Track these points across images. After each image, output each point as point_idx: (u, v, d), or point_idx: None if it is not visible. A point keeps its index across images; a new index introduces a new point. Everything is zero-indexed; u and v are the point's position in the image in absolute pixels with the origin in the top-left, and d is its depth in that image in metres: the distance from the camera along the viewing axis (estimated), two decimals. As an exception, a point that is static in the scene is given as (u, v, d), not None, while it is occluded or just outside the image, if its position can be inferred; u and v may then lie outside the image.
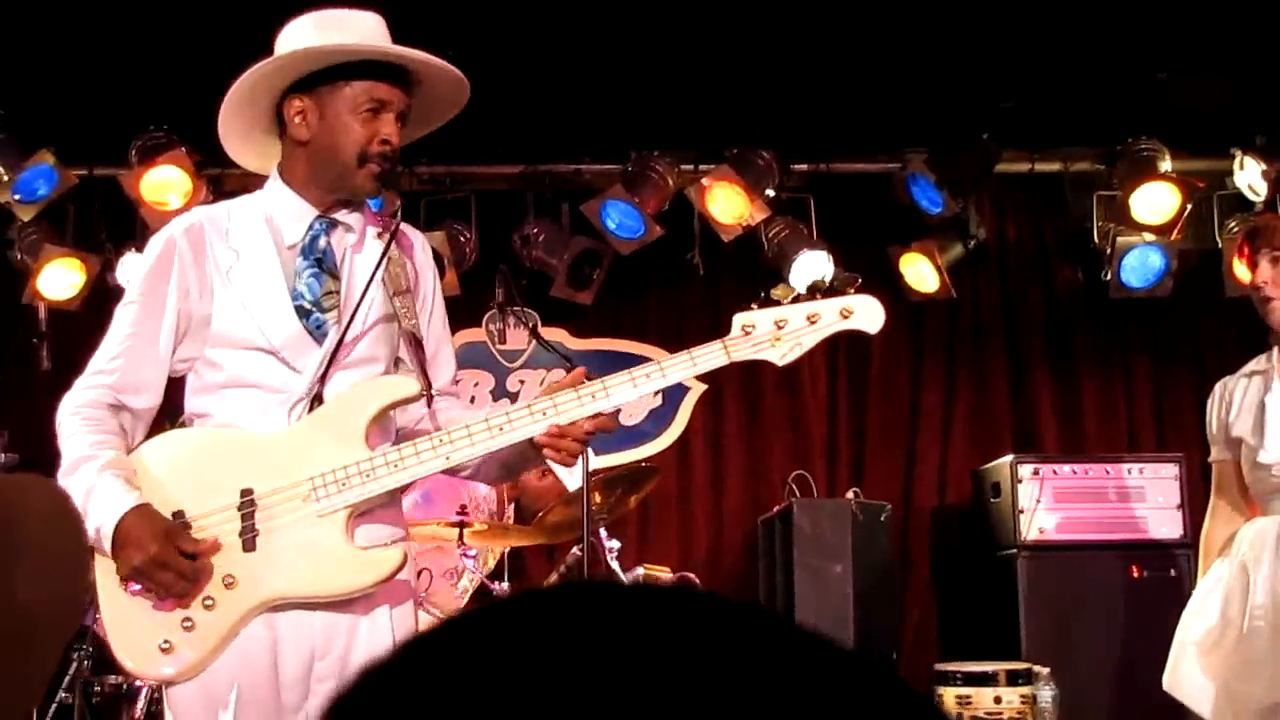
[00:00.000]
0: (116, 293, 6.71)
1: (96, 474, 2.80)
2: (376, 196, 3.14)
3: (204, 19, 6.23)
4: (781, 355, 3.00)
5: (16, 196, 6.76)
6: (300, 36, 3.03)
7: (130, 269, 6.76)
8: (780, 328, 2.99)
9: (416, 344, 3.10)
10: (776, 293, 3.05)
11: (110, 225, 7.10)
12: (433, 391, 3.10)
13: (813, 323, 3.00)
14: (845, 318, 3.01)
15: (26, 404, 6.43)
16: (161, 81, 6.58)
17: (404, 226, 3.21)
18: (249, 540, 2.84)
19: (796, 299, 3.03)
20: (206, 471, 2.90)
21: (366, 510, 2.94)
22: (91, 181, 7.08)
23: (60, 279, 6.93)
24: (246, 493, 2.87)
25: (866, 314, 3.03)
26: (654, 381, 2.97)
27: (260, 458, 2.90)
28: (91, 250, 7.02)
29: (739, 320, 3.00)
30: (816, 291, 3.05)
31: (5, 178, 6.77)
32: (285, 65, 3.00)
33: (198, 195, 6.74)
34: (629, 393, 2.96)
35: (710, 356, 2.98)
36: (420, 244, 3.26)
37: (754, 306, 3.01)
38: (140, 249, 6.70)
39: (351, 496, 2.87)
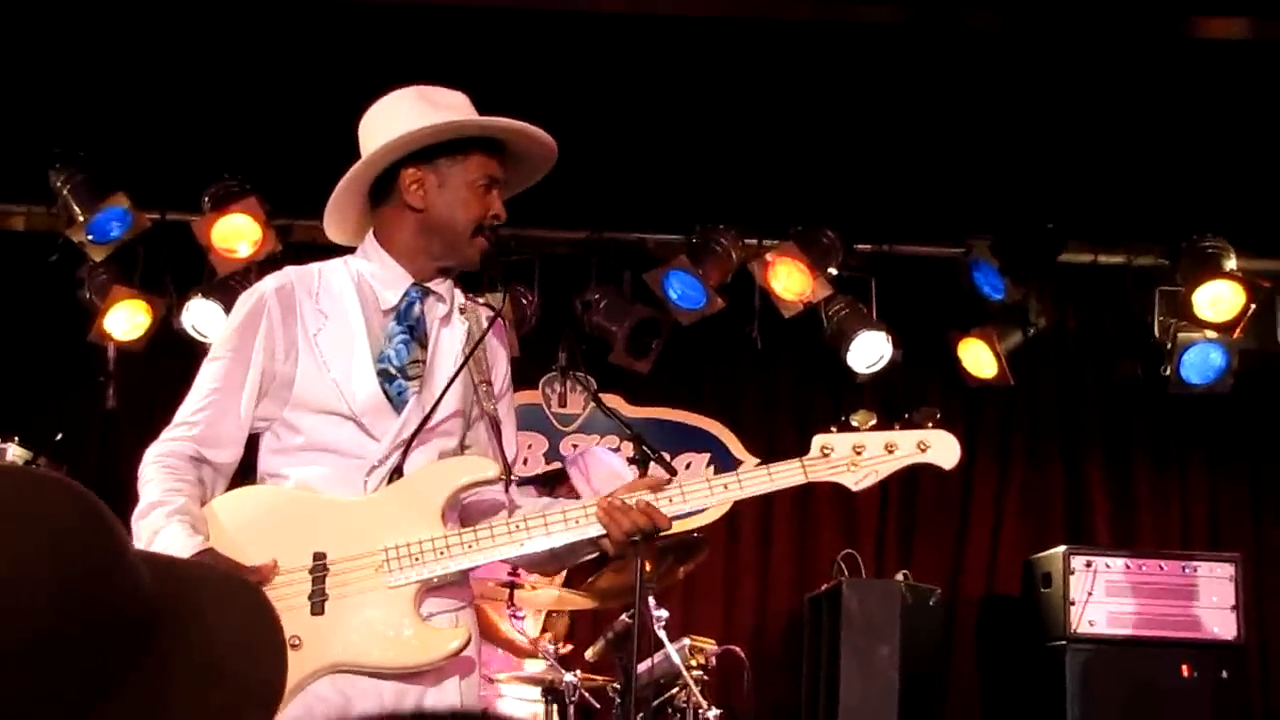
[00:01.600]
0: (180, 336, 6.86)
1: (165, 518, 2.85)
2: (477, 268, 3.20)
3: (279, 74, 6.34)
4: (857, 481, 3.06)
5: (90, 237, 6.85)
6: (414, 111, 3.10)
7: (196, 315, 6.83)
8: (858, 453, 3.05)
9: (496, 428, 3.13)
10: (856, 419, 3.11)
11: (177, 270, 7.18)
12: (510, 477, 3.12)
13: (890, 452, 3.06)
14: (922, 451, 3.07)
15: (89, 441, 6.50)
16: (236, 131, 6.71)
17: (484, 309, 3.29)
18: (318, 604, 2.86)
19: (875, 427, 3.08)
20: (280, 531, 2.93)
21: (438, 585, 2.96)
22: (163, 226, 7.17)
23: (126, 320, 7.00)
24: (319, 556, 2.89)
25: (943, 450, 3.09)
26: (730, 492, 3.05)
27: (336, 523, 2.93)
28: (158, 293, 7.10)
29: (818, 442, 3.06)
30: (895, 422, 3.09)
31: (80, 218, 6.86)
32: (419, 137, 3.07)
33: (266, 244, 6.81)
34: (704, 499, 3.05)
35: (788, 475, 3.05)
36: (498, 327, 3.31)
37: (833, 429, 3.07)
38: (207, 295, 6.79)
39: (424, 573, 2.90)
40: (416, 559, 2.89)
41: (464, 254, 3.12)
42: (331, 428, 3.00)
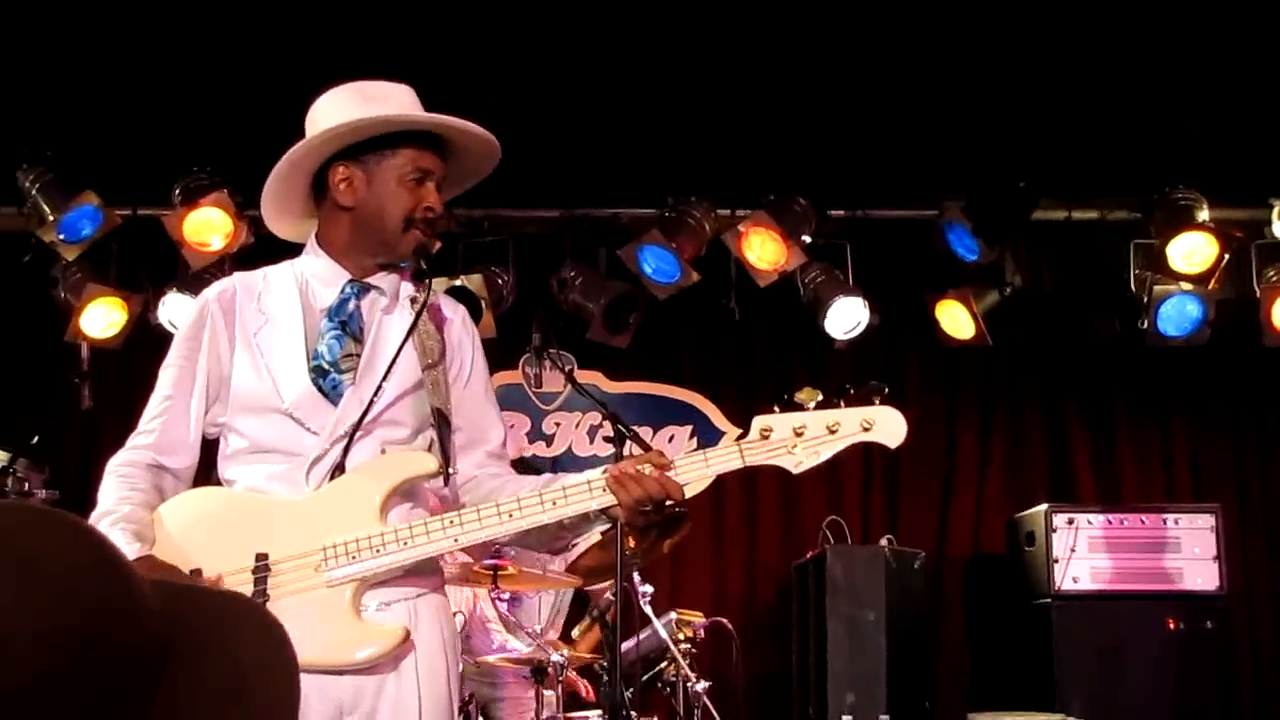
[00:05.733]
0: (157, 332, 6.85)
1: (109, 527, 2.86)
2: (410, 261, 3.17)
3: (246, 65, 6.32)
4: (797, 463, 2.99)
5: (61, 236, 6.84)
6: (344, 108, 3.09)
7: (172, 310, 6.83)
8: (799, 435, 2.97)
9: (442, 419, 3.11)
10: (801, 395, 3.00)
11: (152, 265, 7.17)
12: (450, 470, 3.10)
13: (832, 432, 2.98)
14: (866, 430, 2.99)
15: (69, 442, 6.50)
16: (205, 124, 6.68)
17: (444, 300, 3.28)
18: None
19: (819, 405, 3.00)
20: (224, 533, 2.93)
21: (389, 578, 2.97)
22: (135, 222, 7.15)
23: (102, 318, 7.00)
24: (261, 557, 2.90)
25: (888, 427, 3.01)
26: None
27: (277, 523, 2.94)
28: (133, 289, 7.09)
29: (757, 423, 2.99)
30: (840, 399, 3.01)
31: (51, 217, 6.85)
32: (341, 135, 3.06)
33: (239, 237, 6.80)
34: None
35: (725, 460, 2.99)
36: (460, 318, 3.28)
37: (776, 409, 2.99)
38: (181, 289, 6.78)
39: (359, 569, 2.90)
40: (353, 556, 2.89)
41: (398, 248, 3.09)
42: (270, 427, 3.01)
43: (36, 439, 6.01)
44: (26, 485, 6.80)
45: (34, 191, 6.91)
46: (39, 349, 7.25)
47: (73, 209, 6.86)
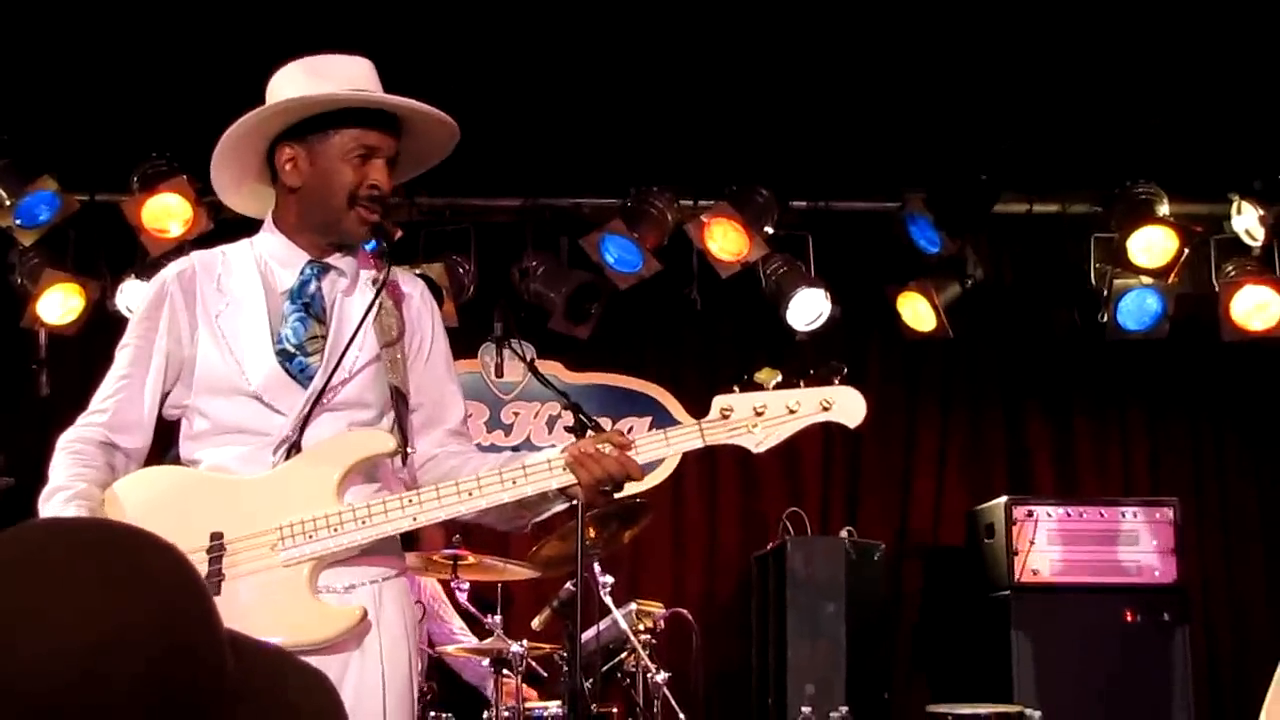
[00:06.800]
0: (115, 318, 6.79)
1: (63, 503, 2.84)
2: (366, 241, 3.15)
3: (206, 48, 6.27)
4: (757, 443, 2.99)
5: (18, 221, 6.77)
6: (290, 85, 3.06)
7: (130, 296, 6.77)
8: (759, 415, 2.98)
9: (400, 397, 3.09)
10: (760, 376, 3.00)
11: (110, 251, 7.11)
12: (408, 449, 3.09)
13: (792, 412, 2.99)
14: (825, 409, 3.00)
15: (25, 428, 6.43)
16: (163, 109, 6.62)
17: (402, 276, 3.25)
18: (214, 584, 2.83)
19: (779, 385, 3.00)
20: (179, 512, 2.90)
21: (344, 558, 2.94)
22: (93, 207, 7.09)
23: (60, 304, 6.93)
24: (216, 536, 2.88)
25: (847, 407, 3.01)
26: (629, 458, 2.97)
27: (234, 502, 2.91)
28: (92, 276, 7.03)
29: (718, 403, 2.99)
30: (800, 379, 3.01)
31: (7, 202, 6.77)
32: (275, 115, 3.03)
33: (198, 223, 6.74)
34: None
35: (685, 438, 2.99)
36: (419, 292, 3.26)
37: (735, 389, 3.00)
38: (140, 275, 6.72)
39: (316, 548, 2.88)
40: (310, 535, 2.87)
41: (344, 227, 3.05)
42: (236, 408, 2.99)
43: (-9, 427, 5.96)
44: (-18, 472, 6.75)
45: (-10, 177, 6.84)
46: (-7, 336, 7.17)
47: (30, 194, 6.78)
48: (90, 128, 6.77)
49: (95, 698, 1.09)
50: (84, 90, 6.54)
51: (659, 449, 2.99)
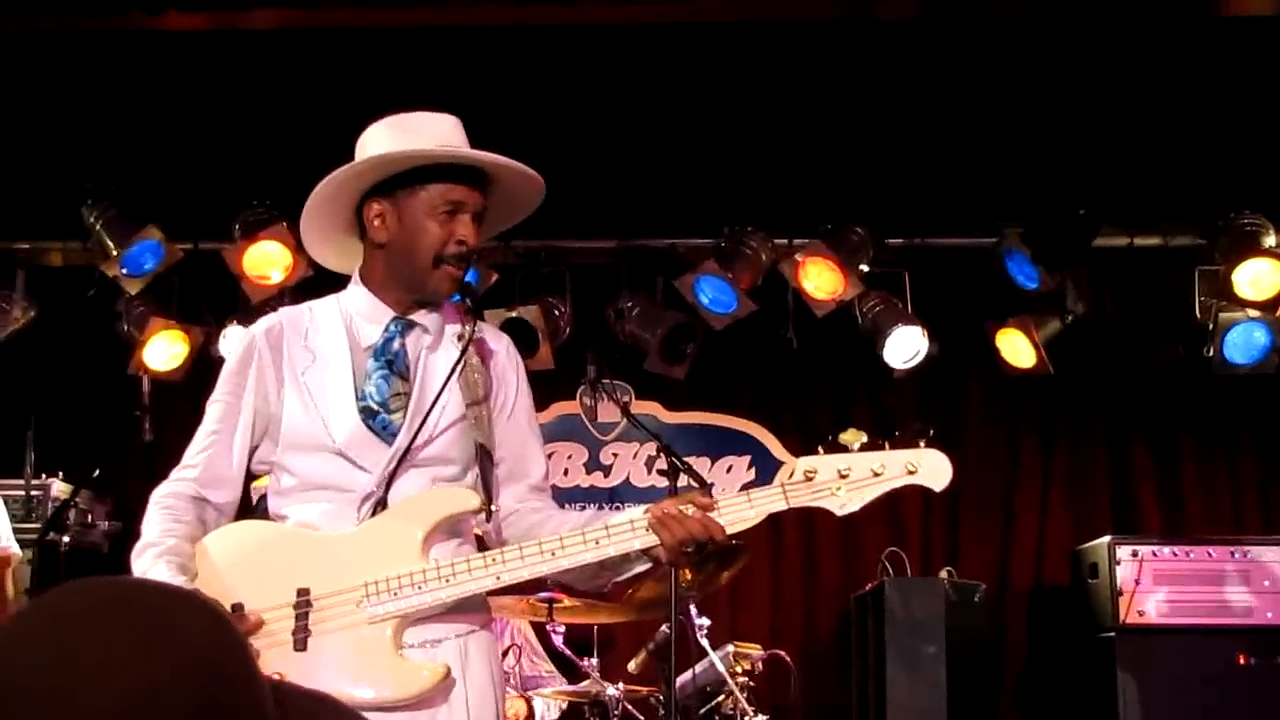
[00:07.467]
0: (218, 364, 6.85)
1: (154, 559, 2.88)
2: (451, 296, 3.15)
3: (304, 101, 6.39)
4: (841, 505, 2.95)
5: (124, 270, 6.93)
6: (379, 141, 3.08)
7: (232, 342, 6.88)
8: (844, 477, 2.94)
9: (486, 455, 3.10)
10: (845, 437, 2.96)
11: (213, 298, 7.24)
12: (492, 506, 3.09)
13: (877, 475, 2.94)
14: (911, 473, 2.95)
15: (132, 475, 6.56)
16: (264, 159, 6.75)
17: (488, 332, 3.26)
18: (300, 640, 2.86)
19: (864, 447, 2.96)
20: (267, 567, 2.93)
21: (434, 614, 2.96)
22: (196, 255, 7.23)
23: (164, 351, 7.07)
24: (303, 592, 2.90)
25: (933, 470, 2.96)
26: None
27: (321, 558, 2.93)
28: (195, 323, 7.17)
29: (802, 465, 2.95)
30: (885, 440, 2.97)
31: (114, 252, 6.93)
32: (363, 171, 3.05)
33: (298, 270, 6.85)
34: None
35: (768, 501, 2.95)
36: (505, 348, 3.26)
37: (820, 450, 2.96)
38: (242, 322, 6.84)
39: (401, 605, 2.89)
40: (395, 593, 2.88)
41: (430, 285, 3.07)
42: (321, 464, 3.01)
43: (99, 472, 6.07)
44: (90, 517, 6.90)
45: (98, 227, 7.01)
46: (102, 382, 7.32)
47: (135, 244, 6.94)
48: (193, 178, 6.93)
49: None
50: (187, 141, 6.71)
51: (742, 510, 2.94)
